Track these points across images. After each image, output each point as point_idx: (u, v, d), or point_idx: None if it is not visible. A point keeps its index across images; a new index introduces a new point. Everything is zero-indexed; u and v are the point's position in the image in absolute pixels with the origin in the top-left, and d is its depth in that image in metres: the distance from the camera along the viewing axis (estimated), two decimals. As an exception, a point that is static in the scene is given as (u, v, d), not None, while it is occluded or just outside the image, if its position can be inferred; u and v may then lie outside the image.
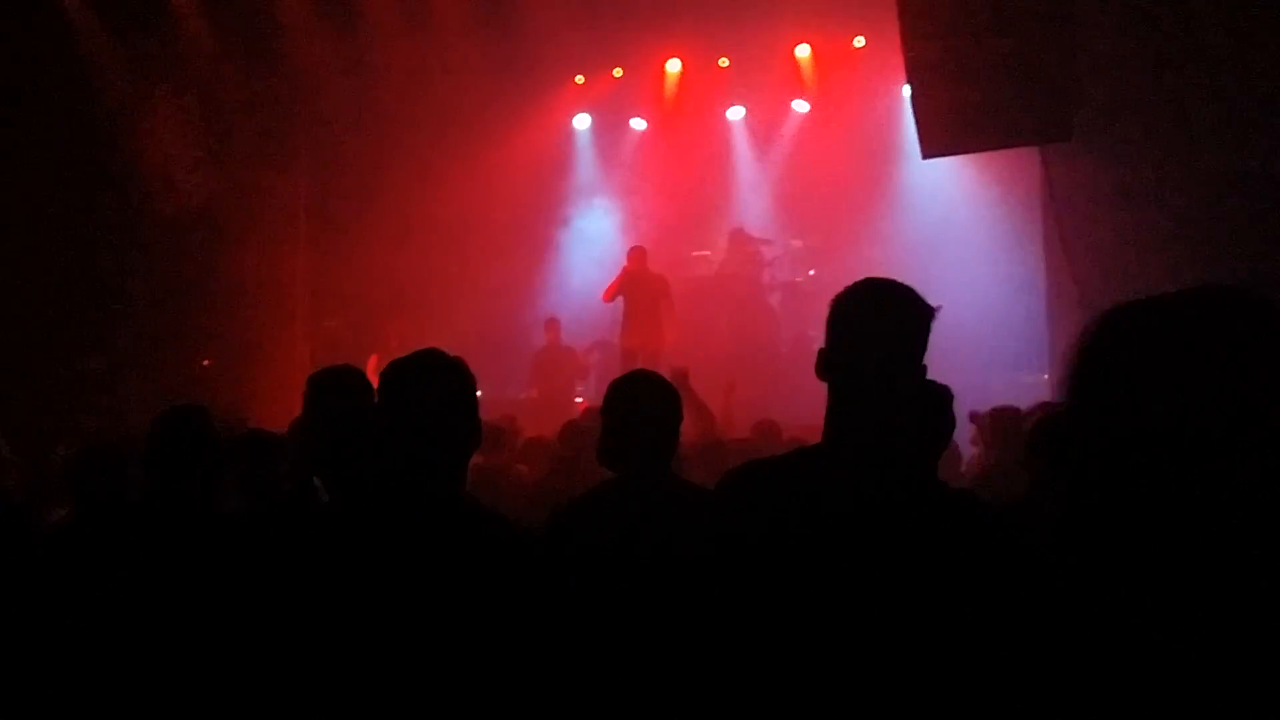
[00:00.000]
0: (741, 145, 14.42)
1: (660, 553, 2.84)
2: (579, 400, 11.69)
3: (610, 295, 11.86)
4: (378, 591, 2.33)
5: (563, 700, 2.92)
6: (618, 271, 12.03)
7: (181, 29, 10.79)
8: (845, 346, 2.23)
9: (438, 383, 2.52)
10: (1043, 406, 5.46)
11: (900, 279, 2.30)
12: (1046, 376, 10.02)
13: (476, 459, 4.21)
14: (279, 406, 8.52)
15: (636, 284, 11.68)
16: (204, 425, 3.57)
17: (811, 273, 13.32)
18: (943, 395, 2.13)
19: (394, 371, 2.53)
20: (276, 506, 4.24)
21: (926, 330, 2.20)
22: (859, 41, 13.29)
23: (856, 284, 2.28)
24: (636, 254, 11.86)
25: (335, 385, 3.31)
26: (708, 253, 13.77)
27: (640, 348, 11.40)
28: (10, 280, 9.53)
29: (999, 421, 5.49)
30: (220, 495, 3.60)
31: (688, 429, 3.48)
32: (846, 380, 2.21)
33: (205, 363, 11.36)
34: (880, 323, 2.20)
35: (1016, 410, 5.55)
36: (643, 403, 3.16)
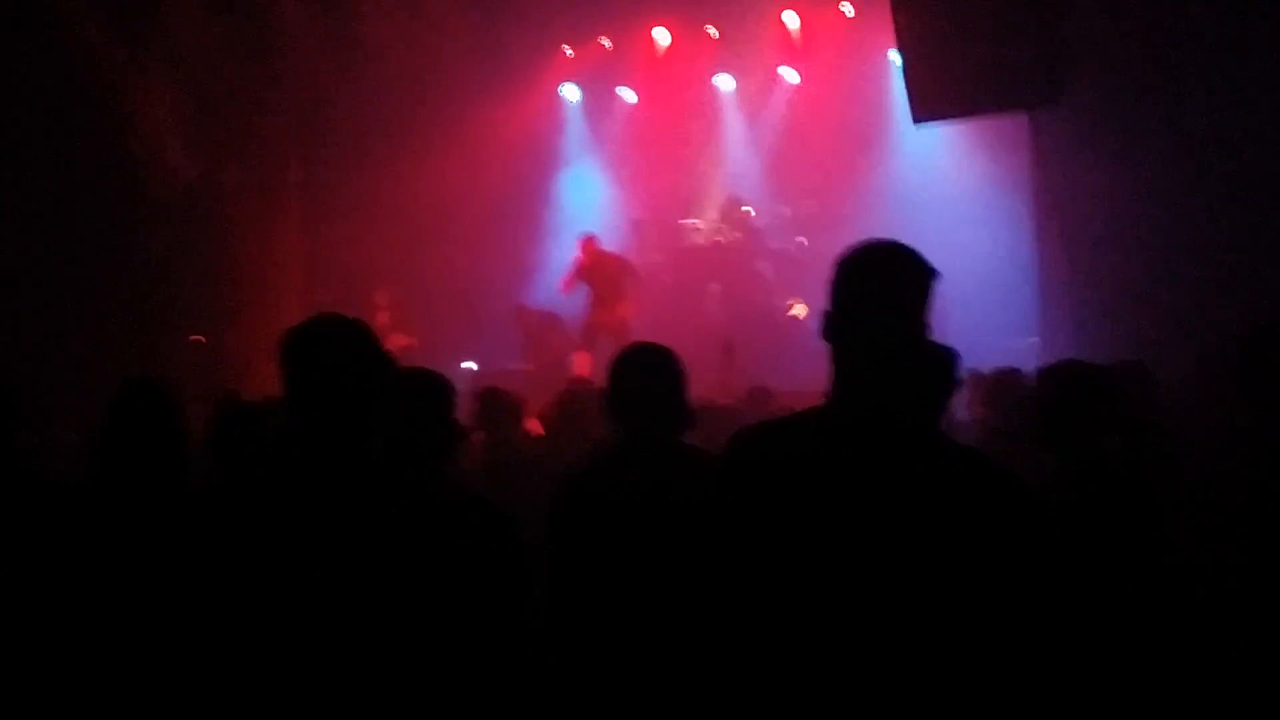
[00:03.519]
0: (731, 114, 14.41)
1: (668, 515, 2.90)
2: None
3: (568, 287, 11.93)
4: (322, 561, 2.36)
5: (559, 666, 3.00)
6: (574, 261, 12.03)
7: (170, 10, 10.75)
8: (850, 308, 2.21)
9: (334, 348, 2.51)
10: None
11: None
12: (1035, 340, 10.08)
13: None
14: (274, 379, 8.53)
15: (593, 269, 11.75)
16: (166, 397, 3.50)
17: (802, 240, 13.35)
18: (948, 356, 2.14)
19: (292, 339, 2.51)
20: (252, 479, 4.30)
21: (930, 291, 2.20)
22: (847, 9, 13.28)
23: (860, 245, 2.26)
24: (586, 243, 11.90)
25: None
26: (698, 221, 13.80)
27: (602, 323, 11.52)
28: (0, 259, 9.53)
29: (1001, 384, 5.46)
30: (187, 469, 3.48)
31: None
32: (851, 341, 2.20)
33: (197, 339, 11.37)
34: (885, 283, 2.19)
35: (1018, 372, 5.52)
36: (645, 371, 3.20)
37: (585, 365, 11.09)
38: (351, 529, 2.40)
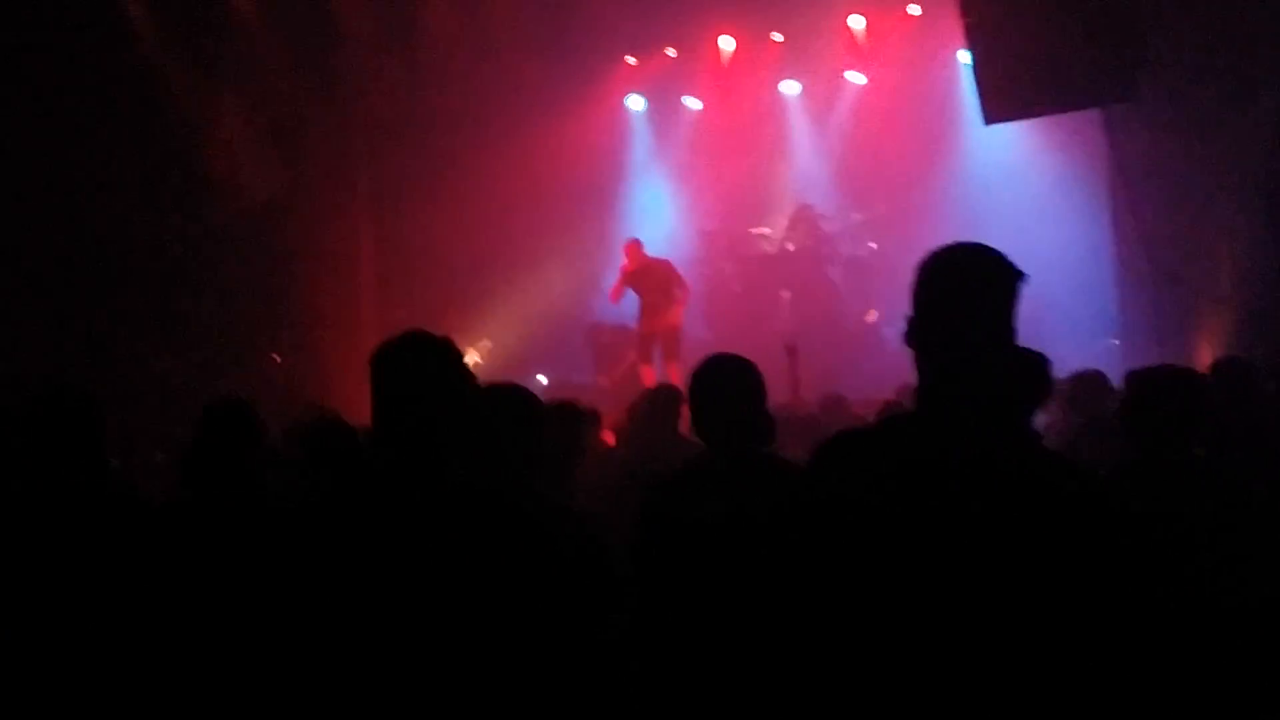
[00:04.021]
0: (798, 120, 14.33)
1: (756, 526, 2.87)
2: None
3: (616, 295, 11.78)
4: (409, 578, 2.38)
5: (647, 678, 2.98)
6: (620, 270, 11.84)
7: (240, 28, 10.96)
8: (935, 313, 2.14)
9: (422, 363, 2.54)
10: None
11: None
12: (1117, 342, 9.89)
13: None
14: (352, 397, 8.64)
15: (641, 275, 11.61)
16: (250, 417, 3.60)
17: (873, 246, 13.23)
18: (1039, 361, 2.07)
19: (379, 356, 2.55)
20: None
21: (1017, 294, 2.11)
22: (914, 9, 13.16)
23: (943, 247, 2.18)
24: (631, 248, 11.76)
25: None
26: (768, 230, 13.72)
27: (654, 332, 11.43)
28: (81, 282, 9.74)
29: (1083, 386, 5.37)
30: (265, 488, 3.57)
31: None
32: (937, 348, 2.12)
33: (276, 358, 11.53)
34: (971, 287, 2.11)
35: (1100, 374, 5.43)
36: (725, 385, 3.20)
37: (650, 379, 11.07)
38: (436, 544, 2.41)
